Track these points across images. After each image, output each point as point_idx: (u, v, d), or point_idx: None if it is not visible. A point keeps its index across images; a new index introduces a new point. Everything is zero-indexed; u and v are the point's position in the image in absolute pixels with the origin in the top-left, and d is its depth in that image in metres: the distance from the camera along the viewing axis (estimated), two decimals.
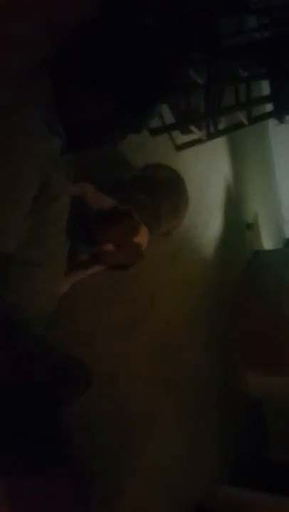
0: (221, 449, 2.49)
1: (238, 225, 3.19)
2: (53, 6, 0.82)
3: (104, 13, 0.92)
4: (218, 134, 2.23)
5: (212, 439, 2.40)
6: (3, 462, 0.79)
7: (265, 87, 2.38)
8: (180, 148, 2.14)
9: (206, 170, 2.52)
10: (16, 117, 0.75)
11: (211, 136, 2.18)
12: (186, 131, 2.15)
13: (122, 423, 1.57)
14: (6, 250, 0.73)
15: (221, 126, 2.28)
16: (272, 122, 2.36)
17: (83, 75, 0.83)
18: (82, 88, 0.84)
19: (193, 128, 2.04)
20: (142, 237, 1.28)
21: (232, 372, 2.75)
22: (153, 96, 0.88)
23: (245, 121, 2.12)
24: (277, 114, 2.04)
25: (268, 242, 3.94)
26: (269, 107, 2.05)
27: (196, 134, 2.08)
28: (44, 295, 0.93)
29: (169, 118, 2.01)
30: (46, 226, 0.85)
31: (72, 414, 0.92)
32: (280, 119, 2.06)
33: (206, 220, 2.53)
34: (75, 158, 1.06)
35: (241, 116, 2.10)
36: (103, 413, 1.44)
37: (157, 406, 1.83)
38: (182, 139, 2.16)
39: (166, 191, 1.59)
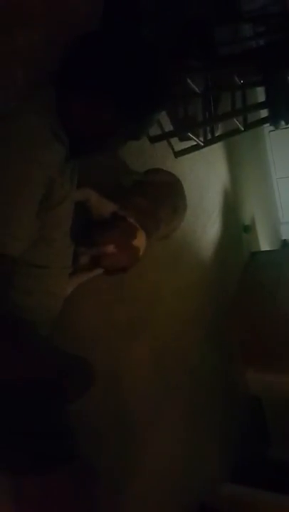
0: (221, 447, 2.52)
1: (235, 228, 3.24)
2: (56, 16, 0.84)
3: (105, 23, 0.97)
4: (215, 140, 2.28)
5: (213, 438, 2.44)
6: (6, 459, 0.80)
7: (260, 94, 2.44)
8: (178, 154, 2.20)
9: (204, 174, 2.58)
10: (21, 125, 0.79)
11: (208, 142, 2.23)
12: (184, 138, 2.21)
13: (123, 423, 1.60)
14: (14, 253, 0.76)
15: (217, 133, 2.33)
16: (267, 127, 2.42)
17: (84, 83, 0.87)
18: (83, 96, 0.87)
19: (191, 135, 2.09)
20: (140, 240, 1.34)
21: (232, 372, 2.79)
22: (151, 104, 0.92)
23: (241, 127, 2.17)
24: (273, 120, 2.09)
25: (264, 244, 3.99)
26: (264, 113, 2.11)
27: (193, 140, 2.14)
28: (50, 297, 0.97)
29: (167, 125, 2.07)
30: (51, 230, 0.89)
31: (75, 413, 0.95)
32: (276, 124, 2.11)
33: (204, 223, 2.58)
34: (78, 165, 1.11)
35: (237, 123, 2.16)
36: (105, 413, 1.48)
37: (159, 406, 1.86)
38: (180, 145, 2.21)
39: (165, 195, 1.64)
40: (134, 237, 1.33)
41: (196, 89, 2.12)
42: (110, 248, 1.27)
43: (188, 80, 2.06)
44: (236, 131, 2.22)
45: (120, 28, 0.95)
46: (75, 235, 1.19)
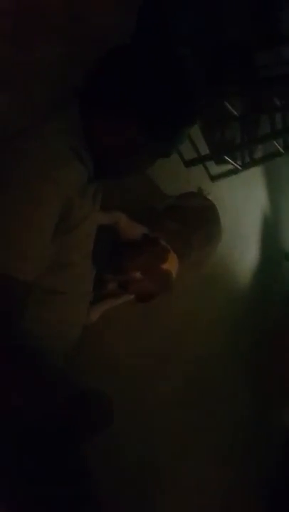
0: (255, 483, 2.32)
1: (276, 255, 3.09)
2: (78, 31, 0.82)
3: (138, 39, 0.95)
4: (253, 163, 2.20)
5: (247, 474, 2.24)
6: (19, 503, 0.75)
7: None
8: (215, 178, 2.13)
9: (241, 199, 2.49)
10: (40, 142, 0.76)
11: (246, 166, 2.15)
12: (221, 161, 2.14)
13: (146, 463, 1.49)
14: (26, 278, 0.71)
15: (256, 156, 2.25)
16: None
17: (110, 101, 0.84)
18: (109, 115, 0.84)
19: (228, 158, 2.03)
20: (171, 264, 1.26)
21: (268, 408, 2.58)
22: (180, 121, 0.88)
23: (281, 149, 2.08)
24: None
25: None
26: None
27: (231, 164, 2.07)
28: (67, 325, 0.91)
29: (203, 149, 2.02)
30: (69, 253, 0.84)
31: (93, 448, 0.88)
32: None
33: (241, 250, 2.47)
34: (107, 187, 1.07)
35: (277, 145, 2.07)
36: (126, 452, 1.38)
37: (189, 439, 1.74)
38: (217, 169, 2.15)
39: (199, 220, 1.58)
40: (165, 261, 1.26)
41: (234, 112, 2.07)
42: (138, 274, 1.20)
43: (226, 103, 2.02)
44: (276, 154, 2.13)
45: (151, 45, 0.92)
46: (102, 260, 1.14)
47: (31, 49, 0.74)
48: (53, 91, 0.82)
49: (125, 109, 0.83)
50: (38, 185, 0.71)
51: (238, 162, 2.13)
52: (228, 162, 2.06)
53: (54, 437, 0.81)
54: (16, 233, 0.70)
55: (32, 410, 0.75)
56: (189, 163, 1.93)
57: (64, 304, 0.88)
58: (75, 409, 0.81)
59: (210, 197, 1.83)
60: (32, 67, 0.76)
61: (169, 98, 0.84)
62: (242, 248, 2.49)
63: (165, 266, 1.25)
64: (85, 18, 0.78)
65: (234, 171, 2.13)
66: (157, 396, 1.60)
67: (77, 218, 0.80)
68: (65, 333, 0.92)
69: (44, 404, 0.75)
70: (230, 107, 2.04)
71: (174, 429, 1.66)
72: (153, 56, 0.86)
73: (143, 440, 1.49)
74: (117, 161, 0.88)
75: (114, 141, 0.85)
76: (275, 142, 2.06)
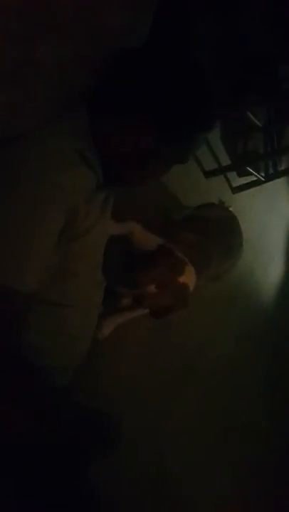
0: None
1: None
2: (85, 30, 0.76)
3: (154, 41, 0.89)
4: (278, 175, 2.11)
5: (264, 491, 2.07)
6: None
7: None
8: (236, 190, 2.06)
9: (265, 212, 2.39)
10: (44, 147, 0.71)
11: (270, 178, 2.07)
12: (243, 173, 2.07)
13: (160, 491, 1.39)
14: (26, 289, 0.65)
15: (280, 167, 2.17)
16: None
17: (120, 103, 0.78)
18: (119, 118, 0.79)
19: (250, 169, 1.96)
20: (188, 277, 1.18)
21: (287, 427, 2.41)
22: (196, 125, 0.82)
23: None
24: None
25: None
26: None
27: (253, 175, 2.00)
28: (73, 339, 0.85)
29: (224, 159, 1.96)
30: (75, 263, 0.78)
31: (101, 479, 0.81)
32: None
33: (264, 266, 2.37)
34: (121, 195, 1.01)
35: None
36: (139, 479, 1.29)
37: (206, 469, 1.62)
38: (239, 180, 2.08)
39: (218, 232, 1.50)
40: (182, 273, 1.17)
41: (257, 122, 2.00)
42: (152, 287, 1.12)
43: (249, 113, 1.96)
44: None
45: (169, 47, 0.87)
46: (115, 272, 1.08)
47: (32, 48, 0.70)
48: (54, 91, 0.78)
49: (138, 113, 0.78)
50: (39, 190, 0.66)
51: (261, 173, 2.05)
52: (251, 173, 1.99)
53: (59, 462, 0.75)
54: (16, 242, 0.64)
55: (31, 434, 0.68)
56: (210, 174, 1.87)
57: (69, 317, 0.82)
58: (79, 432, 0.75)
59: (231, 209, 1.75)
60: (32, 66, 0.72)
61: (185, 101, 0.78)
62: (265, 263, 2.38)
63: (182, 279, 1.17)
64: (89, 18, 0.73)
65: (257, 183, 2.05)
66: (172, 419, 1.50)
67: (83, 226, 0.74)
68: (71, 347, 0.85)
69: (44, 427, 0.69)
70: (252, 117, 1.98)
71: (192, 454, 1.56)
72: (170, 58, 0.81)
73: (156, 461, 1.39)
74: (129, 167, 0.82)
75: (125, 146, 0.79)
76: None
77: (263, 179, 2.04)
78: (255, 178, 2.04)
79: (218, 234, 1.50)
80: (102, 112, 0.80)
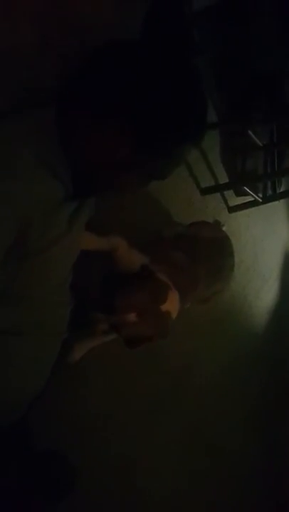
0: None
1: None
2: (55, 16, 0.68)
3: (145, 35, 0.81)
4: (276, 197, 2.05)
5: None
6: None
7: None
8: (233, 209, 1.99)
9: (261, 234, 2.32)
10: None
11: (268, 199, 2.01)
12: (241, 192, 2.01)
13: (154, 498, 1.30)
14: None
15: (279, 189, 2.11)
16: None
17: (97, 106, 0.68)
18: (93, 121, 0.69)
19: (248, 189, 1.89)
20: (171, 304, 1.08)
21: (278, 464, 2.30)
22: (179, 136, 0.72)
23: None
24: None
25: None
26: None
27: (251, 195, 1.93)
28: (23, 372, 0.74)
29: (222, 177, 1.89)
30: (30, 284, 0.68)
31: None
32: None
33: (258, 289, 2.29)
34: (105, 207, 0.93)
35: None
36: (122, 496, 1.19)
37: (186, 502, 1.52)
38: (236, 200, 2.01)
39: (209, 252, 1.42)
40: (164, 301, 1.08)
41: (258, 141, 1.95)
42: (132, 316, 1.03)
43: (250, 132, 1.90)
44: None
45: (162, 47, 0.76)
46: (92, 294, 0.99)
47: None
48: (19, 87, 0.69)
49: (118, 117, 0.68)
50: None
51: (259, 194, 1.99)
52: (249, 194, 1.92)
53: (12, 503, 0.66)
54: None
55: None
56: (206, 191, 1.80)
57: (17, 347, 0.71)
58: (28, 479, 0.66)
59: (225, 229, 1.67)
60: None
61: (173, 108, 0.69)
62: (258, 287, 2.30)
63: (164, 307, 1.07)
64: (65, 6, 0.65)
65: (254, 203, 1.99)
66: (152, 448, 1.40)
67: (40, 243, 0.65)
68: (20, 382, 0.74)
69: None
70: (254, 136, 1.92)
71: (171, 482, 1.46)
72: (162, 58, 0.71)
73: (137, 498, 1.29)
74: (99, 177, 0.73)
75: (99, 154, 0.70)
76: None
77: (260, 200, 1.98)
78: (252, 199, 1.97)
79: (209, 254, 1.42)
80: (73, 113, 0.70)
